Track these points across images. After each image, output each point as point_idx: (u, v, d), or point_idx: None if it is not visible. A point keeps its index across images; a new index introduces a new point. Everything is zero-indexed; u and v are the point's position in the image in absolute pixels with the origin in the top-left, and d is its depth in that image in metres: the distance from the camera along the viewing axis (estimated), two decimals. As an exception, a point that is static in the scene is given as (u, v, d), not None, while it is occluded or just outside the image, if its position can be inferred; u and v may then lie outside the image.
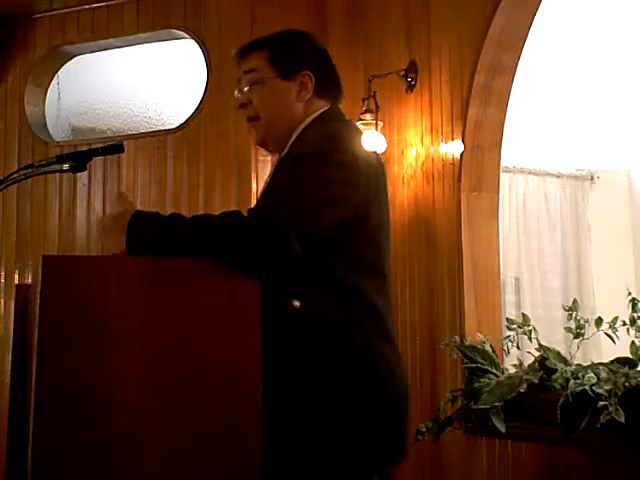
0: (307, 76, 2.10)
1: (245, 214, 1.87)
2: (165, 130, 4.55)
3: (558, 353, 3.13)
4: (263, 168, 4.11)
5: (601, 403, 2.69)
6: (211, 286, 1.81)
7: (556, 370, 3.02)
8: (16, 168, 2.27)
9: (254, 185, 4.11)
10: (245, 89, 2.10)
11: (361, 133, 2.21)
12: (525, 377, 3.11)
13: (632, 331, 3.01)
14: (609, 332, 3.05)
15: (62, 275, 1.74)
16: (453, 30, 3.69)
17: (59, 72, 4.85)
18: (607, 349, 3.20)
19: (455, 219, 3.59)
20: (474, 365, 3.32)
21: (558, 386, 3.00)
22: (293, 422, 1.88)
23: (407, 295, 3.83)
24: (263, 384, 1.81)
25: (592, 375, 2.82)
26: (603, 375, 2.80)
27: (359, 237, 1.97)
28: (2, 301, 4.55)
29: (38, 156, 4.41)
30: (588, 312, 4.53)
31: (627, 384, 2.73)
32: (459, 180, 3.59)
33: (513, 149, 4.82)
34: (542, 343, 3.17)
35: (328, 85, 2.14)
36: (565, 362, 3.08)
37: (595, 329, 3.10)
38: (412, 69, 3.90)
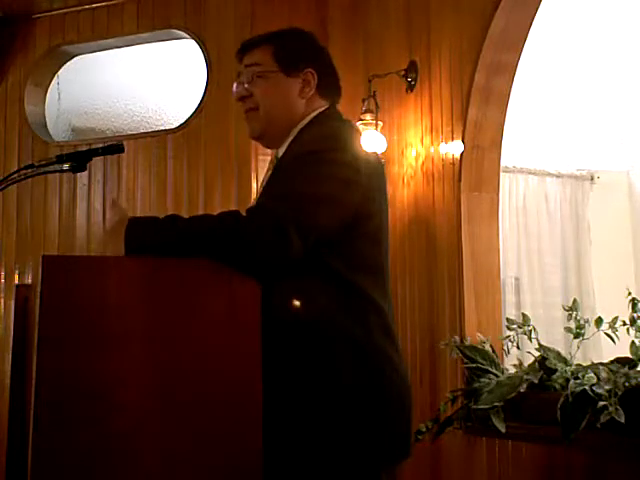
0: (310, 74, 2.11)
1: (244, 214, 1.87)
2: (165, 130, 4.55)
3: (558, 353, 3.12)
4: (263, 168, 4.10)
5: (601, 403, 2.69)
6: (211, 286, 1.81)
7: (556, 370, 3.02)
8: (16, 168, 2.27)
9: (254, 185, 4.11)
10: (246, 82, 2.10)
11: (360, 133, 2.21)
12: (525, 377, 3.11)
13: (632, 331, 3.00)
14: (609, 332, 3.05)
15: (62, 275, 1.74)
16: (453, 30, 3.69)
17: (59, 72, 4.85)
18: (607, 349, 3.20)
19: (455, 219, 3.59)
20: (474, 365, 3.32)
21: (558, 386, 3.00)
22: (298, 422, 1.87)
23: (407, 295, 3.83)
24: (266, 384, 1.81)
25: (592, 375, 2.82)
26: (603, 375, 2.80)
27: (360, 236, 1.97)
28: (2, 301, 4.55)
29: (38, 156, 4.41)
30: (588, 312, 4.53)
31: (627, 384, 2.72)
32: (459, 180, 3.59)
33: (513, 149, 4.82)
34: (542, 343, 3.17)
35: (329, 85, 2.15)
36: (565, 362, 3.08)
37: (595, 329, 3.10)
38: (412, 69, 3.90)
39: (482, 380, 3.26)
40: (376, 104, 3.90)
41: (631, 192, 5.83)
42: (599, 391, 2.72)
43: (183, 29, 4.45)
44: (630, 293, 3.04)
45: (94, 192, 4.50)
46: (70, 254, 4.24)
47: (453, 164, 3.63)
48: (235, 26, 4.28)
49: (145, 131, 4.74)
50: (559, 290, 5.55)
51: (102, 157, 3.30)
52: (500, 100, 3.61)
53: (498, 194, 3.69)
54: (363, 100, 3.94)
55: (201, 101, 4.32)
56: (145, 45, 4.70)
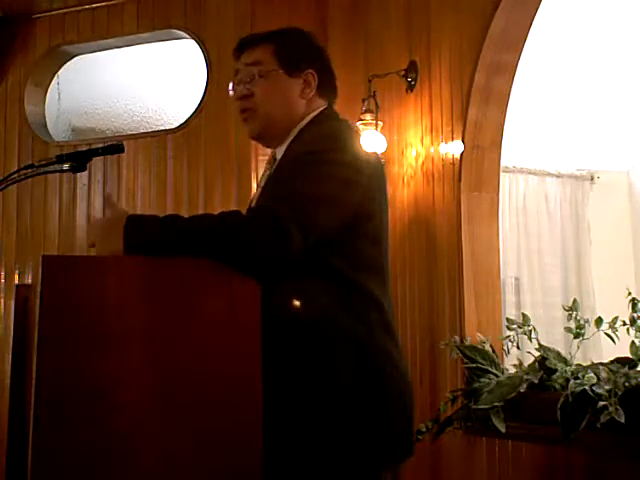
0: (311, 75, 2.11)
1: (245, 214, 1.87)
2: (165, 130, 4.55)
3: (558, 353, 3.12)
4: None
5: (601, 403, 2.68)
6: (211, 286, 1.81)
7: (556, 370, 3.02)
8: (16, 168, 2.27)
9: (254, 185, 4.11)
10: (246, 81, 2.09)
11: (358, 133, 2.21)
12: (525, 377, 3.11)
13: (632, 331, 3.00)
14: (609, 332, 3.05)
15: (62, 275, 1.74)
16: (453, 30, 3.69)
17: (59, 72, 4.85)
18: (607, 349, 3.20)
19: (455, 219, 3.59)
20: (474, 365, 3.32)
21: (558, 386, 3.00)
22: (299, 421, 1.87)
23: (407, 295, 3.83)
24: (268, 384, 1.81)
25: (592, 375, 2.82)
26: (603, 375, 2.80)
27: (361, 236, 1.97)
28: (2, 301, 4.55)
29: (38, 156, 4.41)
30: (588, 312, 4.53)
31: (627, 384, 2.72)
32: (459, 180, 3.59)
33: (513, 149, 4.82)
34: (542, 343, 3.17)
35: (327, 85, 2.16)
36: (565, 362, 3.08)
37: (595, 329, 3.10)
38: (412, 69, 3.90)
39: (482, 380, 3.26)
40: (376, 104, 3.90)
41: (631, 192, 5.83)
42: (599, 391, 2.72)
43: (183, 29, 4.45)
44: (630, 293, 3.04)
45: (94, 192, 4.50)
46: (70, 254, 4.24)
47: (453, 164, 3.63)
48: (235, 26, 4.28)
49: (145, 131, 4.74)
50: (559, 290, 5.55)
51: (102, 157, 3.31)
52: (500, 100, 3.61)
53: (498, 194, 3.69)
54: (363, 100, 3.94)
55: (201, 101, 4.32)
56: (145, 45, 4.70)
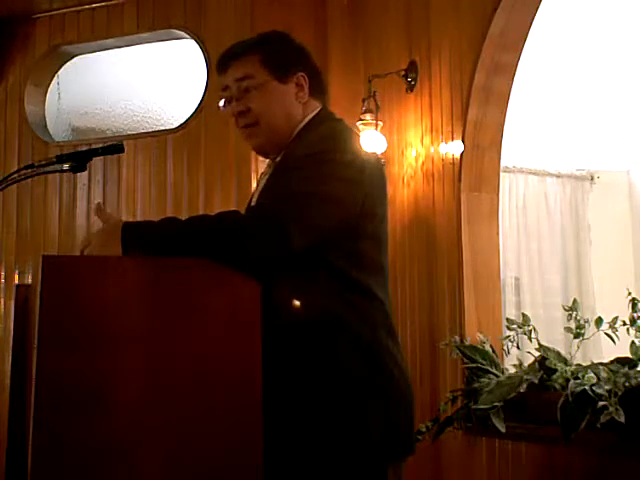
0: (302, 77, 2.10)
1: (243, 214, 1.88)
2: (165, 130, 4.55)
3: (558, 353, 3.12)
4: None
5: (601, 403, 2.68)
6: (211, 286, 1.81)
7: (556, 370, 3.02)
8: (16, 168, 2.27)
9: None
10: (238, 96, 2.07)
11: (356, 133, 2.22)
12: (525, 377, 3.11)
13: (632, 331, 3.00)
14: (609, 332, 3.05)
15: (62, 275, 1.74)
16: (453, 30, 3.69)
17: (59, 72, 4.85)
18: (607, 349, 3.19)
19: (455, 219, 3.59)
20: (474, 365, 3.32)
21: (558, 386, 2.99)
22: (305, 417, 1.88)
23: (407, 295, 3.83)
24: (273, 382, 1.82)
25: (592, 375, 2.82)
26: (603, 375, 2.80)
27: (363, 235, 1.98)
28: (2, 301, 4.54)
29: (38, 156, 4.41)
30: (588, 312, 4.52)
31: (627, 384, 2.72)
32: (459, 180, 3.59)
33: (513, 149, 4.82)
34: (542, 343, 3.17)
35: (318, 85, 2.15)
36: (565, 362, 3.08)
37: (595, 329, 3.10)
38: (412, 69, 3.90)
39: (482, 380, 3.26)
40: (376, 104, 3.90)
41: (631, 192, 5.84)
42: (599, 391, 2.72)
43: (183, 29, 4.45)
44: (630, 293, 3.04)
45: (94, 192, 4.50)
46: (70, 254, 4.24)
47: (453, 164, 3.63)
48: (235, 26, 4.28)
49: (145, 131, 4.73)
50: (559, 290, 5.55)
51: (102, 157, 3.30)
52: (500, 100, 3.60)
53: (498, 194, 3.69)
54: (363, 100, 3.94)
55: (201, 101, 4.32)
56: (145, 45, 4.69)
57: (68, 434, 1.69)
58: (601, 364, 2.93)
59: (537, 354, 3.15)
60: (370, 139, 3.84)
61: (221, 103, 2.13)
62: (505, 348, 3.39)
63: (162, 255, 1.81)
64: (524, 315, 3.35)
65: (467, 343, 3.40)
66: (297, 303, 1.90)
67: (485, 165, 3.63)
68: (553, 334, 4.61)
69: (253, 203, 2.09)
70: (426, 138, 3.82)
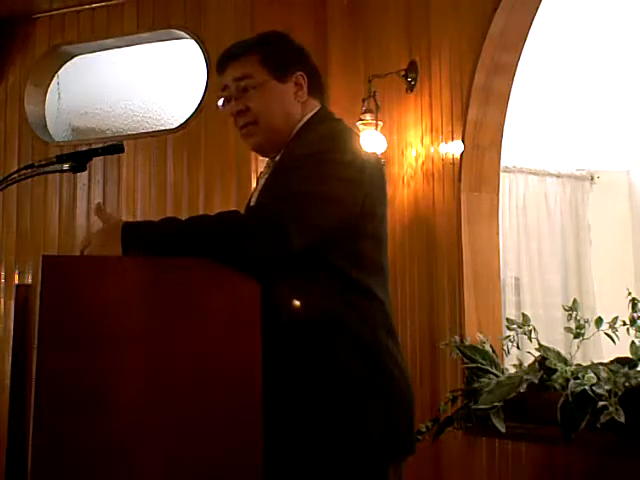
0: (301, 76, 2.10)
1: (243, 213, 1.88)
2: (165, 130, 4.55)
3: (558, 353, 3.12)
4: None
5: (601, 403, 2.68)
6: (211, 286, 1.81)
7: (556, 370, 3.02)
8: (16, 168, 2.27)
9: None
10: (237, 96, 2.08)
11: (355, 132, 2.22)
12: (525, 377, 3.11)
13: (632, 331, 3.00)
14: (609, 332, 3.05)
15: (62, 275, 1.74)
16: (453, 30, 3.69)
17: (59, 72, 4.85)
18: (607, 349, 3.19)
19: (455, 219, 3.59)
20: (474, 365, 3.32)
21: (558, 386, 2.99)
22: (306, 417, 1.88)
23: (407, 295, 3.83)
24: (273, 382, 1.82)
25: (592, 375, 2.82)
26: (603, 375, 2.80)
27: (363, 235, 1.98)
28: (2, 301, 4.54)
29: (38, 156, 4.41)
30: (588, 312, 4.52)
31: (627, 384, 2.72)
32: (459, 180, 3.59)
33: (513, 149, 4.82)
34: (542, 343, 3.17)
35: (316, 84, 2.15)
36: (565, 362, 3.08)
37: (595, 329, 3.10)
38: (412, 69, 3.90)
39: (482, 380, 3.26)
40: (376, 104, 3.90)
41: (631, 192, 5.84)
42: (599, 391, 2.72)
43: (183, 29, 4.45)
44: (630, 293, 3.04)
45: (94, 192, 4.50)
46: (70, 254, 4.24)
47: (453, 164, 3.63)
48: (235, 26, 4.28)
49: (145, 131, 4.73)
50: (559, 290, 5.55)
51: (102, 157, 3.30)
52: (500, 100, 3.60)
53: (498, 194, 3.69)
54: (363, 100, 3.94)
55: (201, 101, 4.32)
56: (145, 45, 4.69)
57: (68, 434, 1.69)
58: (601, 364, 2.93)
59: (537, 354, 3.15)
60: (370, 139, 3.84)
61: (220, 103, 2.14)
62: (505, 348, 3.39)
63: (162, 255, 1.81)
64: (524, 315, 3.35)
65: (467, 343, 3.40)
66: (297, 303, 1.90)
67: (485, 165, 3.63)
68: (553, 334, 4.61)
69: (252, 203, 2.09)
70: (426, 138, 3.82)
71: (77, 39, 4.69)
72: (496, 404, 3.07)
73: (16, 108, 4.72)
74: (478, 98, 3.56)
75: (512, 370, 3.32)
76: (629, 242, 5.77)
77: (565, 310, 3.20)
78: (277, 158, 2.10)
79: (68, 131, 4.94)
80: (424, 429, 3.25)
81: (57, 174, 4.13)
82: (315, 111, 2.11)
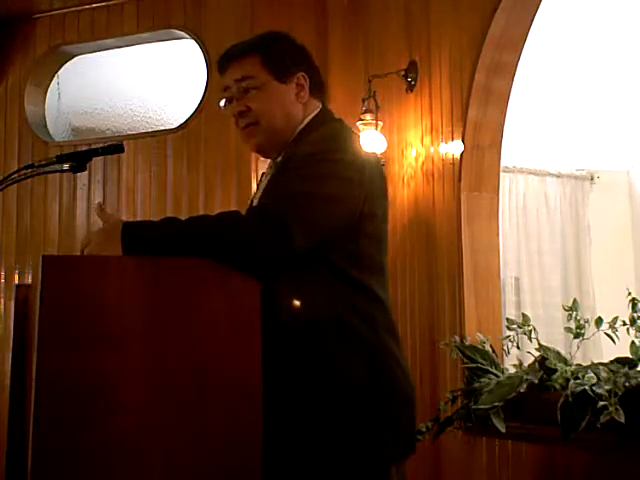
0: (302, 77, 2.10)
1: (244, 214, 1.88)
2: (165, 130, 4.55)
3: (558, 353, 3.12)
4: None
5: (601, 403, 2.68)
6: (211, 286, 1.81)
7: (556, 370, 3.02)
8: (16, 168, 2.27)
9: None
10: (238, 97, 2.08)
11: (355, 132, 2.22)
12: (525, 377, 3.11)
13: (632, 331, 3.00)
14: (609, 332, 3.05)
15: (62, 275, 1.74)
16: (453, 30, 3.69)
17: (59, 72, 4.85)
18: (607, 349, 3.19)
19: (455, 219, 3.59)
20: (474, 365, 3.32)
21: (558, 386, 2.99)
22: (307, 418, 1.88)
23: (407, 295, 3.83)
24: (275, 383, 1.82)
25: (592, 375, 2.82)
26: (603, 375, 2.80)
27: (364, 235, 1.98)
28: (2, 301, 4.55)
29: (38, 156, 4.41)
30: (588, 312, 4.53)
31: (627, 384, 2.72)
32: (459, 180, 3.59)
33: (513, 149, 4.82)
34: (542, 343, 3.17)
35: (318, 85, 2.15)
36: (565, 362, 3.08)
37: (595, 329, 3.10)
38: (412, 69, 3.90)
39: (482, 380, 3.26)
40: (376, 104, 3.90)
41: (631, 192, 5.83)
42: (599, 391, 2.72)
43: (183, 29, 4.45)
44: (630, 293, 3.04)
45: (94, 192, 4.50)
46: (70, 254, 4.24)
47: (453, 164, 3.63)
48: (235, 26, 4.28)
49: (145, 131, 4.74)
50: (559, 290, 5.55)
51: (102, 157, 3.30)
52: (500, 100, 3.60)
53: (498, 194, 3.69)
54: (363, 100, 3.94)
55: (201, 101, 4.33)
56: (145, 45, 4.69)
57: (68, 434, 1.69)
58: (601, 364, 2.93)
59: (537, 354, 3.15)
60: (370, 139, 3.84)
61: (222, 103, 2.13)
62: (505, 348, 3.39)
63: (161, 252, 1.81)
64: (524, 315, 3.35)
65: (467, 343, 3.40)
66: (297, 303, 1.90)
67: (485, 165, 3.63)
68: (553, 334, 4.61)
69: (255, 204, 2.09)
70: (426, 138, 3.82)
71: (77, 39, 4.69)
72: (496, 404, 3.07)
73: (16, 108, 4.72)
74: (478, 98, 3.56)
75: (512, 370, 3.32)
76: (629, 242, 5.76)
77: (565, 310, 3.20)
78: (279, 159, 2.10)
79: (68, 131, 4.94)
80: (424, 429, 3.25)
81: (57, 174, 4.13)
82: (317, 112, 2.11)
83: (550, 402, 2.87)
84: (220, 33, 4.30)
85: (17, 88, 4.75)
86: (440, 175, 3.72)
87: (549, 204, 5.67)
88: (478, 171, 3.62)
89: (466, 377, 3.37)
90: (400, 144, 3.99)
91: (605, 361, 2.98)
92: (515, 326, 3.29)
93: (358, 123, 3.88)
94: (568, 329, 3.19)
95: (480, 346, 3.39)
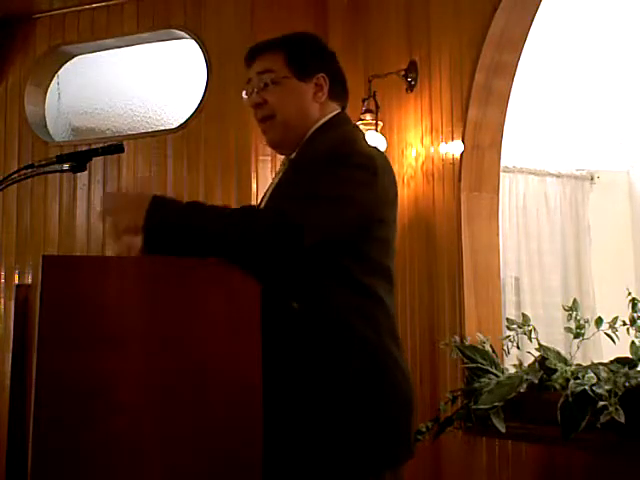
0: (322, 78, 2.13)
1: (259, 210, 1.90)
2: (165, 130, 4.55)
3: (558, 353, 3.12)
4: (263, 168, 4.11)
5: (601, 403, 2.68)
6: (211, 286, 1.81)
7: (556, 370, 3.02)
8: (16, 168, 2.27)
9: (254, 185, 4.11)
10: (258, 89, 2.10)
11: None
12: (525, 377, 3.11)
13: (632, 331, 3.00)
14: (609, 332, 3.05)
15: (62, 275, 1.74)
16: (453, 30, 3.69)
17: (59, 72, 4.85)
18: (607, 349, 3.19)
19: (455, 219, 3.59)
20: (474, 365, 3.32)
21: (558, 386, 2.99)
22: (304, 421, 1.88)
23: (407, 295, 3.83)
24: (272, 383, 1.82)
25: (592, 375, 2.82)
26: (603, 375, 2.80)
27: (374, 239, 2.00)
28: (2, 301, 4.55)
29: (38, 156, 4.41)
30: (588, 312, 4.53)
31: (627, 384, 2.72)
32: (459, 180, 3.59)
33: (513, 149, 4.82)
34: (542, 343, 3.17)
35: (339, 88, 2.18)
36: (565, 362, 3.08)
37: (595, 329, 3.10)
38: (412, 69, 3.90)
39: (482, 380, 3.26)
40: (376, 104, 3.90)
41: (631, 192, 5.83)
42: (599, 391, 2.72)
43: (183, 29, 4.45)
44: (630, 293, 3.04)
45: (94, 192, 4.50)
46: (70, 254, 4.24)
47: (453, 164, 3.63)
48: (235, 26, 4.27)
49: (145, 131, 4.73)
50: (559, 290, 5.54)
51: (102, 157, 3.30)
52: (500, 100, 3.60)
53: (498, 194, 3.69)
54: (363, 100, 3.94)
55: (201, 101, 4.32)
56: (145, 45, 4.69)
57: (68, 434, 1.69)
58: (601, 364, 2.93)
59: (537, 354, 3.15)
60: (370, 139, 3.84)
61: (244, 94, 2.16)
62: (505, 348, 3.39)
63: (176, 239, 1.80)
64: (524, 315, 3.35)
65: (467, 343, 3.40)
66: (301, 304, 1.91)
67: (485, 165, 3.63)
68: (553, 334, 4.61)
69: (264, 202, 2.10)
70: (426, 138, 3.82)
71: (77, 39, 4.69)
72: (496, 404, 3.07)
73: (16, 108, 4.72)
74: (478, 98, 3.56)
75: (512, 370, 3.32)
76: (629, 242, 5.76)
77: (565, 310, 3.21)
78: (293, 156, 2.11)
79: (68, 131, 4.94)
80: (424, 429, 3.25)
81: (57, 174, 4.13)
82: (333, 114, 2.14)
83: (550, 402, 2.87)
84: (220, 33, 4.29)
85: (17, 88, 4.74)
86: (440, 175, 3.72)
87: (549, 204, 5.67)
88: (478, 171, 3.62)
89: (466, 377, 3.37)
90: (400, 144, 3.99)
91: (605, 361, 2.98)
92: (515, 326, 3.29)
93: (358, 123, 3.88)
94: (568, 329, 3.19)
95: (480, 346, 3.39)
